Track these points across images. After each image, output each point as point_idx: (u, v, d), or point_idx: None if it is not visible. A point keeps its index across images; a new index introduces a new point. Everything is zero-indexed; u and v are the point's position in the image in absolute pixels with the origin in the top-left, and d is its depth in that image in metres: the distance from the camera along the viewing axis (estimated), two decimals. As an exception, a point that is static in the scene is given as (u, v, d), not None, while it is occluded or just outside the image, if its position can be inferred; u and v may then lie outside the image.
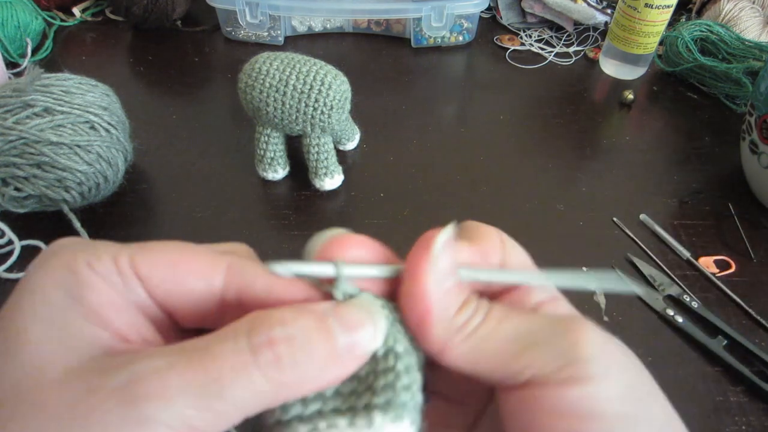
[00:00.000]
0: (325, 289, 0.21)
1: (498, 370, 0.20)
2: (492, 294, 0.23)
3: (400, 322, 0.21)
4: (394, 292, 0.21)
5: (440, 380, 0.24)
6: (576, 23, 0.88)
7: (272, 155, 0.59)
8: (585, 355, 0.18)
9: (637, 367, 0.20)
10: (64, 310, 0.17)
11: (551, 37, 0.87)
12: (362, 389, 0.19)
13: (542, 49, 0.84)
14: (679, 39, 0.77)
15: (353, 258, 0.21)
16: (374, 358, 0.19)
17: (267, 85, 0.53)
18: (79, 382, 0.16)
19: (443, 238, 0.20)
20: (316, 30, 0.84)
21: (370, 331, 0.19)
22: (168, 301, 0.19)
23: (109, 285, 0.18)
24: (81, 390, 0.16)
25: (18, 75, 0.72)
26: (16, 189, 0.49)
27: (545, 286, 0.22)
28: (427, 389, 0.20)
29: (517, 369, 0.19)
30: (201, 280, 0.19)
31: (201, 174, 0.62)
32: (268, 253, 0.56)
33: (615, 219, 0.59)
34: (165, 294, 0.19)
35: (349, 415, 0.18)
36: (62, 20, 0.83)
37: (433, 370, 0.23)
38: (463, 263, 0.21)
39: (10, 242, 0.52)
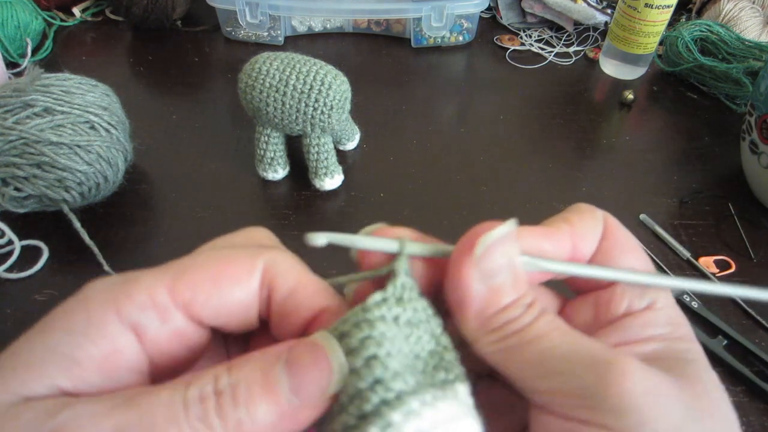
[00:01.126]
0: (376, 274, 0.21)
1: (521, 381, 0.19)
2: (579, 287, 0.22)
3: None
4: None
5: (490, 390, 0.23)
6: (576, 23, 0.88)
7: (272, 155, 0.59)
8: (616, 406, 0.17)
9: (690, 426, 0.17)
10: (49, 351, 0.17)
11: (551, 37, 0.87)
12: (430, 368, 0.19)
13: (542, 49, 0.84)
14: (679, 39, 0.77)
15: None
16: (433, 335, 0.20)
17: (267, 85, 0.53)
18: (12, 422, 0.16)
19: (492, 238, 0.20)
20: (316, 30, 0.84)
21: (324, 374, 0.18)
22: (216, 319, 0.19)
23: (133, 331, 0.18)
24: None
25: (18, 75, 0.72)
26: (16, 189, 0.49)
27: (644, 292, 0.21)
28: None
29: (540, 388, 0.18)
30: (243, 282, 0.19)
31: (201, 174, 0.62)
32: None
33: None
34: (211, 312, 0.19)
35: (432, 390, 0.18)
36: (62, 20, 0.83)
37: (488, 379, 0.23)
38: (529, 251, 0.20)
39: (10, 242, 0.52)
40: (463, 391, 0.19)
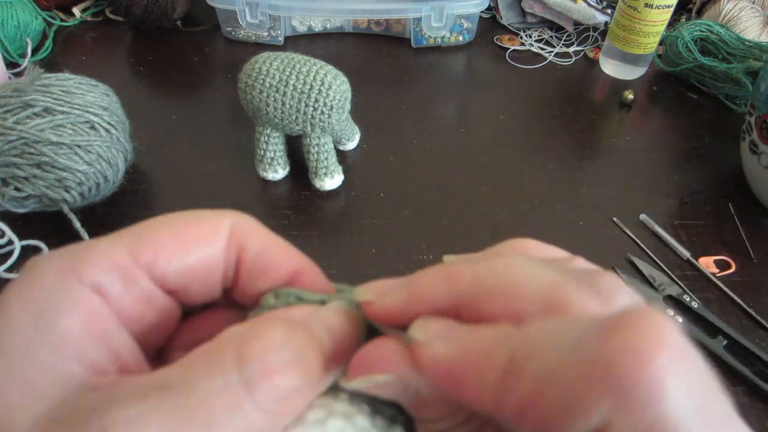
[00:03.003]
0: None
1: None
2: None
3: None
4: None
5: None
6: (576, 23, 0.88)
7: (272, 155, 0.59)
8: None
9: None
10: (31, 343, 0.15)
11: (551, 37, 0.87)
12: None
13: (542, 49, 0.84)
14: (679, 39, 0.77)
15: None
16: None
17: (267, 85, 0.53)
18: (48, 423, 0.14)
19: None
20: (316, 30, 0.84)
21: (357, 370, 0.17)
22: (180, 279, 0.18)
23: (99, 295, 0.16)
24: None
25: (18, 75, 0.72)
26: (16, 189, 0.49)
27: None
28: None
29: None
30: (206, 249, 0.18)
31: (201, 174, 0.62)
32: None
33: (615, 219, 0.59)
34: (175, 272, 0.18)
35: (372, 409, 0.18)
36: (62, 20, 0.83)
37: None
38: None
39: (10, 242, 0.52)
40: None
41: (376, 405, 0.18)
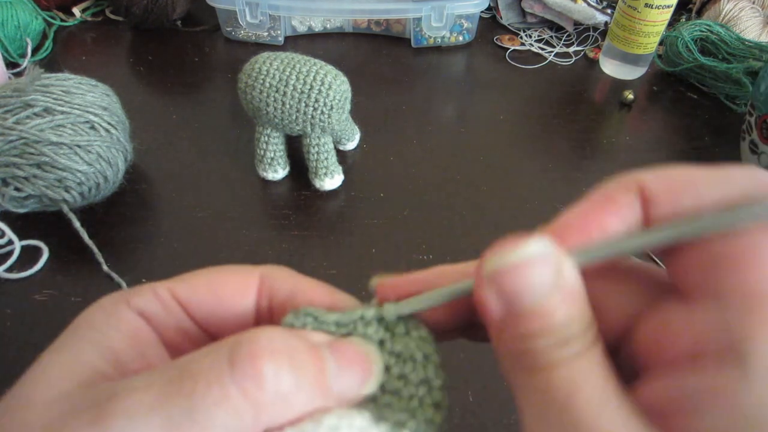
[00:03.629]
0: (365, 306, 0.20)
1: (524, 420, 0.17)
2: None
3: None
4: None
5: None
6: (576, 23, 0.88)
7: (272, 155, 0.59)
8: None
9: None
10: (84, 344, 0.18)
11: (551, 37, 0.87)
12: (396, 402, 0.18)
13: (542, 49, 0.84)
14: (679, 39, 0.77)
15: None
16: (418, 380, 0.19)
17: (267, 85, 0.53)
18: (64, 404, 0.16)
19: (514, 258, 0.16)
20: (316, 30, 0.84)
21: (365, 373, 0.18)
22: (210, 321, 0.20)
23: (144, 318, 0.19)
24: (62, 411, 0.16)
25: (18, 75, 0.72)
26: (16, 189, 0.49)
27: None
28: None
29: None
30: (237, 297, 0.20)
31: (201, 174, 0.62)
32: (268, 253, 0.56)
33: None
34: (206, 314, 0.20)
35: (376, 416, 0.18)
36: (62, 20, 0.83)
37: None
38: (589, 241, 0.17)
39: (10, 242, 0.52)
40: None
41: (379, 410, 0.18)
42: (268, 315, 0.21)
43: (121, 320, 0.19)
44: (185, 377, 0.15)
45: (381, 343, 0.19)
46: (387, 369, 0.19)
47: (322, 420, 0.17)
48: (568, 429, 0.15)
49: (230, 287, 0.20)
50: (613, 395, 0.15)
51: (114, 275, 0.51)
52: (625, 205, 0.17)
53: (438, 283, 0.19)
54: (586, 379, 0.15)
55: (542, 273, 0.16)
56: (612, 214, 0.17)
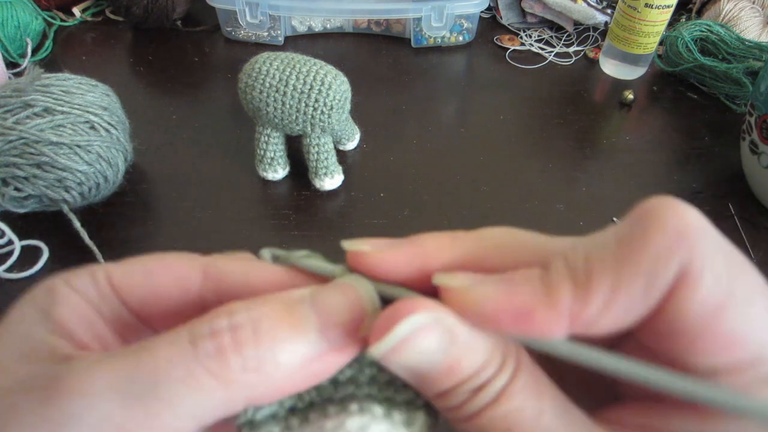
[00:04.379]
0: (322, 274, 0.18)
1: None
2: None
3: None
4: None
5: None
6: (576, 23, 0.88)
7: (272, 155, 0.59)
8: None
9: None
10: (32, 324, 0.17)
11: (551, 37, 0.87)
12: (401, 382, 0.17)
13: (542, 49, 0.84)
14: (679, 39, 0.77)
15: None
16: None
17: (267, 85, 0.53)
18: (20, 388, 0.15)
19: (396, 337, 0.15)
20: (316, 30, 0.84)
21: (355, 319, 0.16)
22: (144, 309, 0.19)
23: (83, 298, 0.18)
24: (18, 394, 0.15)
25: (18, 75, 0.72)
26: (16, 189, 0.49)
27: None
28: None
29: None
30: (176, 286, 0.18)
31: (201, 174, 0.62)
32: (268, 253, 0.56)
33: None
34: (140, 301, 0.18)
35: (386, 405, 0.17)
36: (62, 20, 0.83)
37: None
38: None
39: (10, 242, 0.52)
40: (420, 422, 0.17)
41: (390, 403, 0.17)
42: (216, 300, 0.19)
43: (65, 297, 0.18)
44: (144, 355, 0.15)
45: None
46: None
47: (345, 423, 0.16)
48: None
49: (167, 279, 0.19)
50: (549, 407, 0.16)
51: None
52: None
53: (430, 259, 0.18)
54: (520, 407, 0.16)
55: (431, 339, 0.15)
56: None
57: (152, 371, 0.14)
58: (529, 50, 0.84)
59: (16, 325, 0.17)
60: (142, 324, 0.19)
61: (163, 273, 0.19)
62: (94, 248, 0.52)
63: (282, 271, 0.19)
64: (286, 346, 0.15)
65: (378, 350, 0.15)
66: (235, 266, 0.19)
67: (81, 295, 0.18)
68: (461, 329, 0.16)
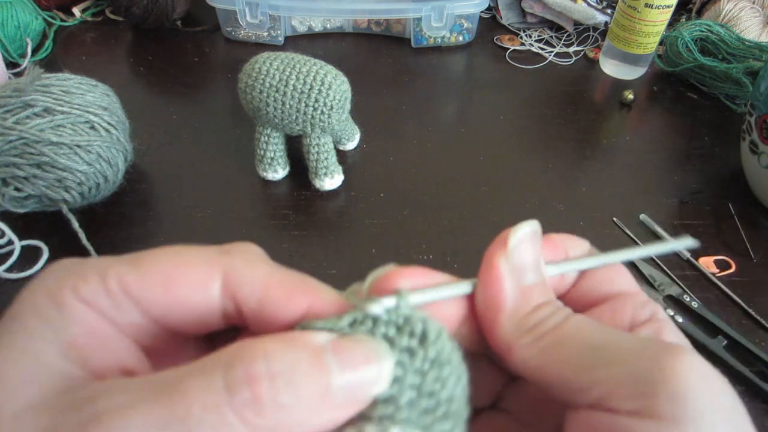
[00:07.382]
0: (354, 302, 0.19)
1: (565, 381, 0.18)
2: (576, 305, 0.21)
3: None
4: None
5: (513, 399, 0.22)
6: (576, 23, 0.88)
7: (272, 155, 0.59)
8: (672, 391, 0.16)
9: (739, 416, 0.18)
10: (41, 342, 0.16)
11: (551, 37, 0.87)
12: (436, 409, 0.17)
13: (542, 49, 0.84)
14: (679, 39, 0.77)
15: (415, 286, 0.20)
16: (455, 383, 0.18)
17: (267, 85, 0.53)
18: (36, 419, 0.14)
19: (522, 231, 0.20)
20: (316, 30, 0.84)
21: (374, 371, 0.16)
22: (167, 319, 0.18)
23: (95, 311, 0.17)
24: (36, 428, 0.14)
25: (18, 75, 0.72)
26: (16, 189, 0.49)
27: (645, 303, 0.21)
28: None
29: (585, 384, 0.17)
30: (197, 293, 0.18)
31: (201, 174, 0.62)
32: (267, 253, 0.56)
33: (615, 219, 0.59)
34: (162, 312, 0.18)
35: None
36: (62, 20, 0.83)
37: (508, 388, 0.22)
38: (547, 260, 0.21)
39: (10, 242, 0.52)
40: None
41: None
42: (237, 315, 0.19)
43: (73, 310, 0.17)
44: (177, 399, 0.14)
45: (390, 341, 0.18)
46: (421, 374, 0.18)
47: None
48: (597, 353, 0.18)
49: (187, 284, 0.18)
50: (609, 326, 0.20)
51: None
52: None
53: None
54: (591, 320, 0.19)
55: (535, 251, 0.21)
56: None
57: (185, 417, 0.14)
58: (529, 50, 0.84)
59: (24, 340, 0.16)
60: (159, 327, 0.19)
61: (182, 282, 0.18)
62: (92, 251, 0.52)
63: (303, 289, 0.19)
64: (310, 394, 0.15)
65: (512, 240, 0.20)
66: (255, 276, 0.18)
67: (92, 307, 0.17)
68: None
